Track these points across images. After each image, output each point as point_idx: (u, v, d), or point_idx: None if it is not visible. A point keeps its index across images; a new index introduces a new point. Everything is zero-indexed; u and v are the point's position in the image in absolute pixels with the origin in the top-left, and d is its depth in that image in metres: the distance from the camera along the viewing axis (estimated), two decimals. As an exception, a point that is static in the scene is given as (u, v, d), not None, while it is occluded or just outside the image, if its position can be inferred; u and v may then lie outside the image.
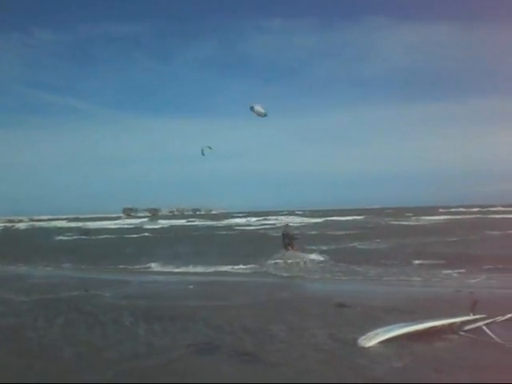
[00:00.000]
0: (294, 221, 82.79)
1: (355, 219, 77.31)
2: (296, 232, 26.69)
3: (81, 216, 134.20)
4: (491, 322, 7.90)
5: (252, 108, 16.76)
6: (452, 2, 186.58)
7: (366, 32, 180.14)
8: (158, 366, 6.92)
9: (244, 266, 21.34)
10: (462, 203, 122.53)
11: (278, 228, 62.34)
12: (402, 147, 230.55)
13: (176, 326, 9.29)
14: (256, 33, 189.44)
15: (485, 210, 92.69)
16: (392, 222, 63.77)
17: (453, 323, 8.09)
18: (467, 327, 8.00)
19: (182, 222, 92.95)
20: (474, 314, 8.16)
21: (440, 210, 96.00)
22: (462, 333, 7.94)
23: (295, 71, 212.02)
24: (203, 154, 18.69)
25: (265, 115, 16.94)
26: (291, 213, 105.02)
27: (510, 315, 7.93)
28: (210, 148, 18.62)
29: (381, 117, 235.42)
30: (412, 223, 62.29)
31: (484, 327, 7.86)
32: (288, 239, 24.18)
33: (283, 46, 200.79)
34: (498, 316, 7.94)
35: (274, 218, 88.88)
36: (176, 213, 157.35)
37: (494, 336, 7.55)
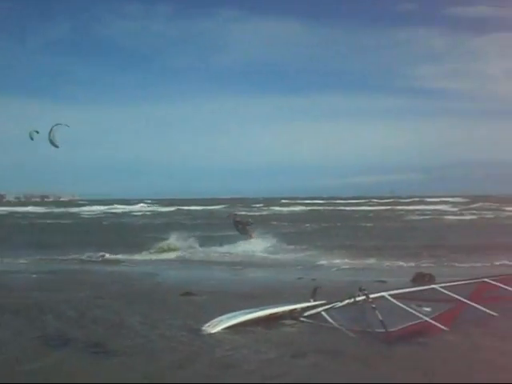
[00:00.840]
0: (145, 209, 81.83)
1: (206, 209, 77.44)
2: (249, 219, 26.08)
3: None
4: (330, 308, 8.23)
5: (51, 131, 18.27)
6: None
7: (220, 23, 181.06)
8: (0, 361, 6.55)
9: (92, 255, 20.65)
10: (305, 195, 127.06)
11: (122, 214, 61.50)
12: (252, 140, 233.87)
13: (21, 318, 8.79)
14: (112, 17, 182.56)
15: (330, 202, 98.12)
16: (248, 213, 65.10)
17: (294, 309, 8.39)
18: (308, 313, 8.31)
19: (27, 209, 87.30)
20: (314, 300, 8.50)
21: (282, 201, 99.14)
22: (302, 318, 8.24)
23: (151, 59, 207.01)
24: (32, 138, 19.27)
25: (56, 147, 18.82)
26: (140, 201, 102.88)
27: (347, 301, 8.21)
28: (37, 132, 19.40)
29: (233, 108, 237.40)
30: (265, 213, 64.05)
31: (323, 313, 8.18)
32: (242, 225, 23.77)
33: (140, 33, 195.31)
34: (336, 302, 8.25)
35: (122, 206, 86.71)
36: (23, 199, 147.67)
37: (332, 321, 7.92)
